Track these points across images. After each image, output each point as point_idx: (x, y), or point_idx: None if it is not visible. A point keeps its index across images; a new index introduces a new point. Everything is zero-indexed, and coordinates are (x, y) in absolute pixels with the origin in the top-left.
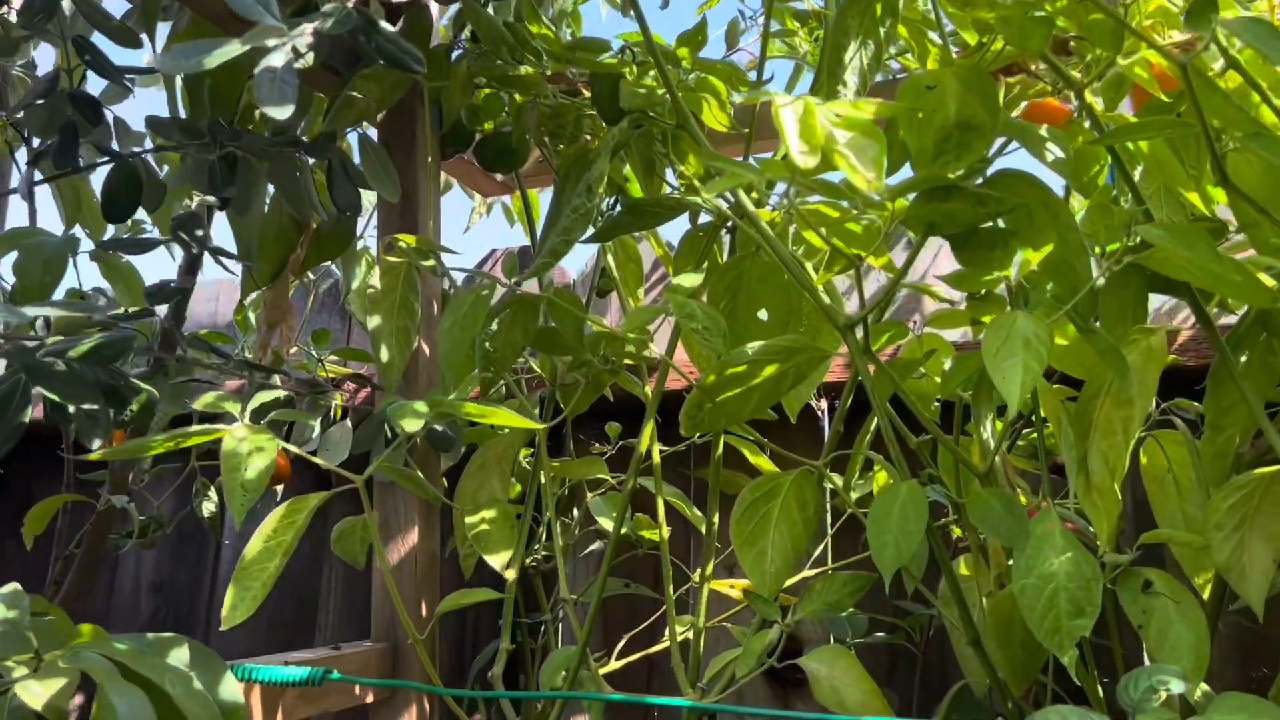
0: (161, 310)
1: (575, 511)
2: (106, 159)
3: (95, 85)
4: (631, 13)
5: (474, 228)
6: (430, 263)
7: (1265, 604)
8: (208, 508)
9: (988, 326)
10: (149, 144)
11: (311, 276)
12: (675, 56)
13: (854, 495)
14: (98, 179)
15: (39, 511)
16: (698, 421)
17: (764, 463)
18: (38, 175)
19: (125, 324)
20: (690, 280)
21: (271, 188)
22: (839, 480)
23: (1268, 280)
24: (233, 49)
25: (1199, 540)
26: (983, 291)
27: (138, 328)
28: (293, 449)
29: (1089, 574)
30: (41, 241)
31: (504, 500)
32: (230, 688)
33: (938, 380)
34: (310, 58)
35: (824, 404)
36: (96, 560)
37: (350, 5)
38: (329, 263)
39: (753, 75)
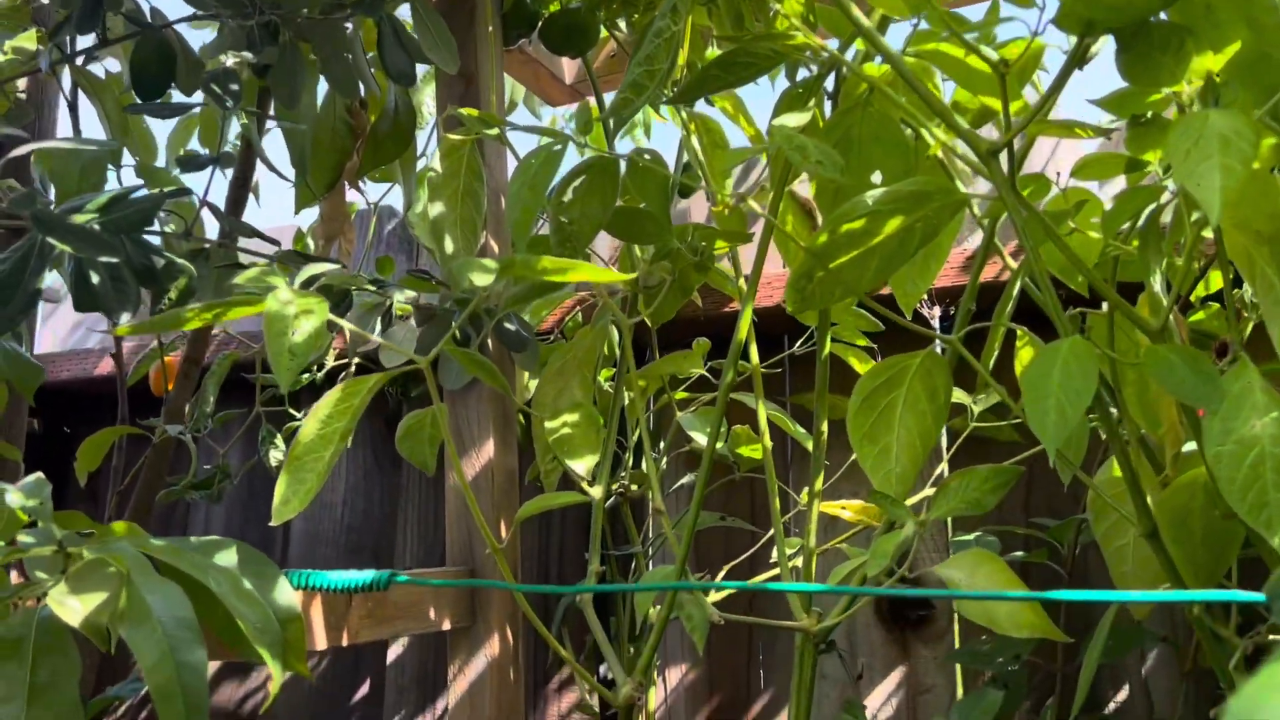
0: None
1: (661, 440)
2: (138, 31)
3: None
4: None
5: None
6: (496, 133)
7: None
8: (275, 456)
9: (1174, 126)
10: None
11: (370, 204)
12: None
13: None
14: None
15: (92, 445)
16: (806, 295)
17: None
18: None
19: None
20: (796, 119)
21: (322, 90)
22: (971, 363)
23: None
24: None
25: None
26: (1148, 115)
27: (177, 209)
28: (351, 327)
29: None
30: (79, 148)
31: (588, 404)
32: (286, 594)
33: (1093, 235)
34: None
35: (936, 311)
36: (153, 496)
37: None
38: (391, 201)
39: None
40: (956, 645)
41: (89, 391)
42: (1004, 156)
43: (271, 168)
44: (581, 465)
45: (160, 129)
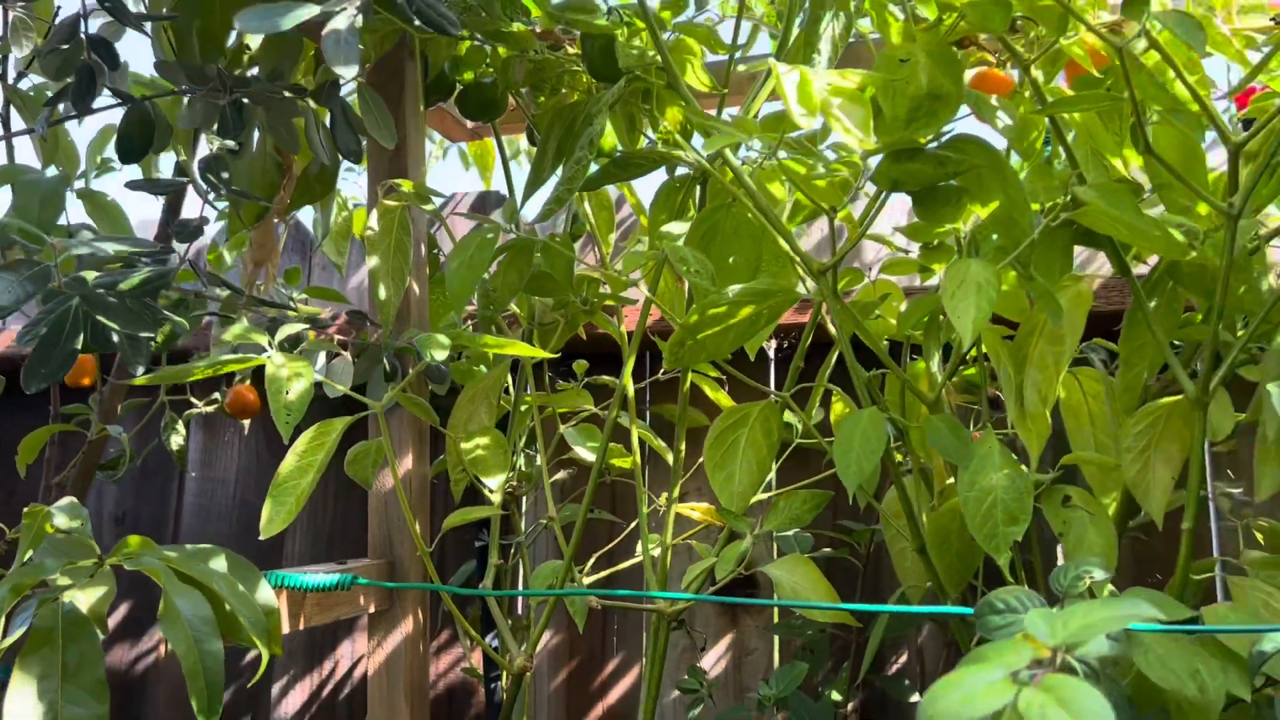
0: (178, 247)
1: (539, 443)
2: (118, 102)
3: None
4: None
5: (430, 169)
6: (430, 207)
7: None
8: (176, 441)
9: (946, 272)
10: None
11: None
12: (660, 19)
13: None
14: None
15: (30, 442)
16: (680, 356)
17: (723, 398)
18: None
19: (148, 260)
20: (678, 227)
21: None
22: (798, 412)
23: (1178, 235)
24: (308, 10)
25: (1111, 462)
26: (935, 242)
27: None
28: (321, 380)
29: (1022, 488)
30: (36, 179)
31: (494, 429)
32: (266, 592)
33: (892, 321)
34: (360, 19)
35: (773, 343)
36: (88, 483)
37: None
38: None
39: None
40: (775, 619)
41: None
42: (830, 274)
43: (205, 199)
44: (493, 481)
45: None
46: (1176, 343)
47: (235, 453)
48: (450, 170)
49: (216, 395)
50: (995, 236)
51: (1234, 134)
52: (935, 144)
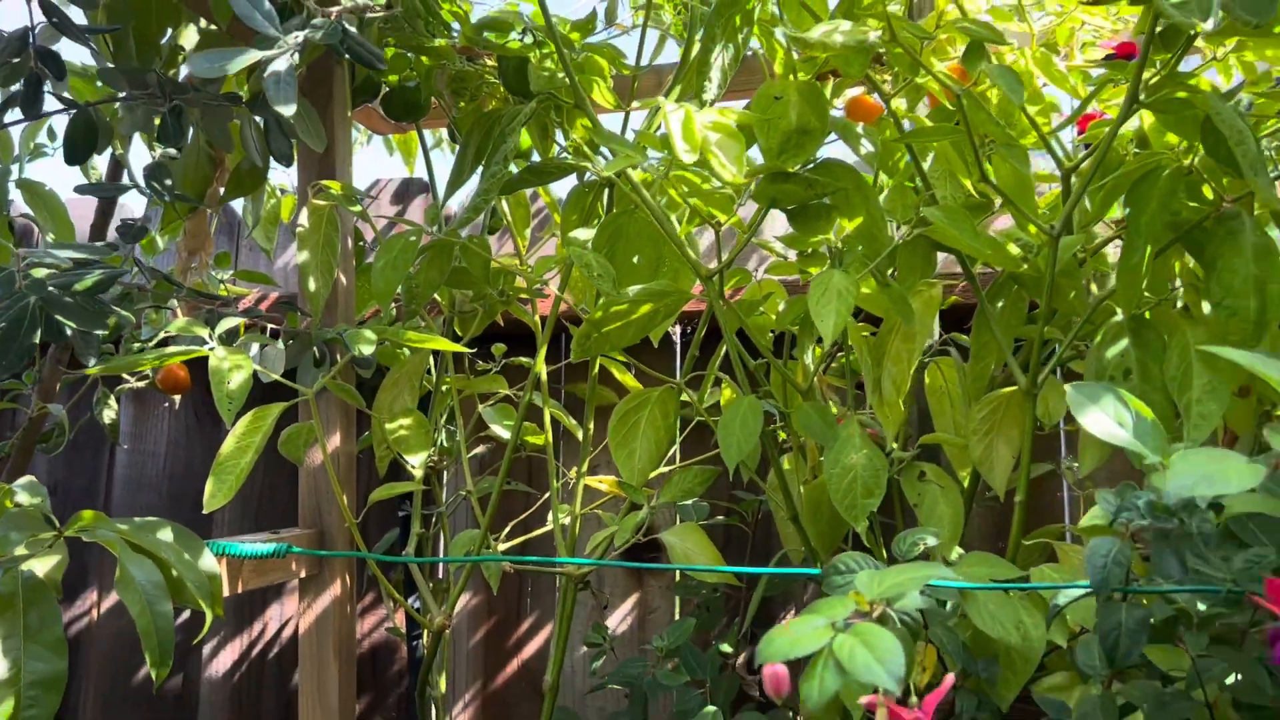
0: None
1: (458, 422)
2: (64, 107)
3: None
4: None
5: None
6: (356, 208)
7: (1009, 495)
8: (108, 415)
9: (813, 280)
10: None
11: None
12: (569, 40)
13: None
14: None
15: None
16: (586, 348)
17: (629, 379)
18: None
19: (96, 257)
20: (585, 234)
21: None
22: (694, 395)
23: (1014, 249)
24: (251, 56)
25: (961, 441)
26: (809, 250)
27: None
28: (256, 369)
29: (879, 465)
30: None
31: (416, 410)
32: (209, 560)
33: (773, 317)
34: (297, 57)
35: (678, 329)
36: (28, 459)
37: (334, 18)
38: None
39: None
40: (677, 579)
41: None
42: (717, 277)
43: (142, 192)
44: (415, 459)
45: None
46: (1021, 339)
47: (165, 426)
48: (375, 154)
49: (148, 371)
50: (861, 248)
51: (1071, 158)
52: (812, 165)
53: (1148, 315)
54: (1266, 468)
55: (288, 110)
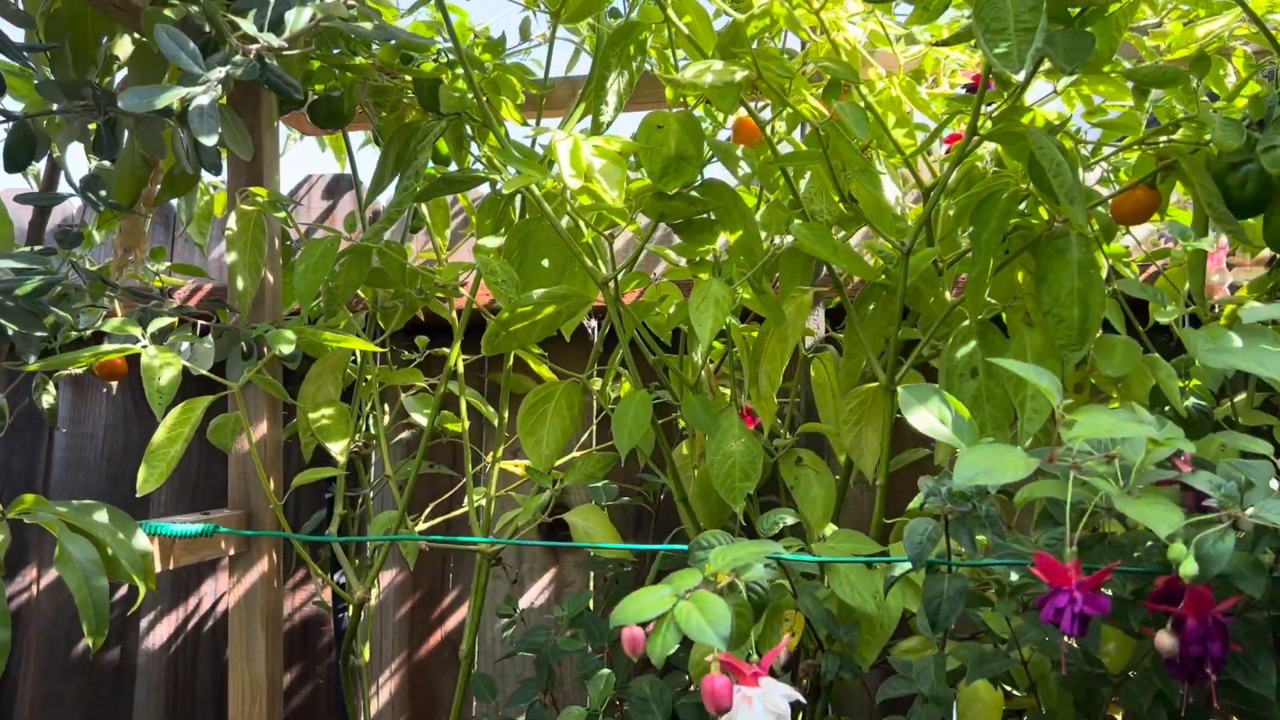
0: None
1: (386, 408)
2: (3, 119)
3: None
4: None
5: (287, 152)
6: (281, 214)
7: (891, 479)
8: (47, 400)
9: (693, 288)
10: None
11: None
12: (479, 61)
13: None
14: None
15: None
16: (495, 345)
17: (544, 370)
18: None
19: (34, 261)
20: (493, 242)
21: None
22: (599, 386)
23: (876, 260)
24: (177, 92)
25: (834, 430)
26: (698, 258)
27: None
28: (186, 364)
29: (755, 452)
30: None
31: (338, 400)
32: (142, 540)
33: (668, 317)
34: (219, 90)
35: (594, 322)
36: None
37: (253, 56)
38: None
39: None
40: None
41: None
42: (612, 284)
43: (80, 194)
44: (336, 446)
45: None
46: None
47: (103, 410)
48: (309, 149)
49: None
50: (741, 258)
51: (937, 175)
52: (697, 185)
53: (1004, 317)
54: (1040, 460)
55: (209, 141)
